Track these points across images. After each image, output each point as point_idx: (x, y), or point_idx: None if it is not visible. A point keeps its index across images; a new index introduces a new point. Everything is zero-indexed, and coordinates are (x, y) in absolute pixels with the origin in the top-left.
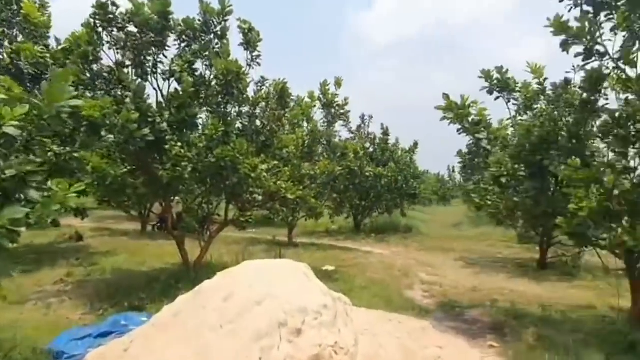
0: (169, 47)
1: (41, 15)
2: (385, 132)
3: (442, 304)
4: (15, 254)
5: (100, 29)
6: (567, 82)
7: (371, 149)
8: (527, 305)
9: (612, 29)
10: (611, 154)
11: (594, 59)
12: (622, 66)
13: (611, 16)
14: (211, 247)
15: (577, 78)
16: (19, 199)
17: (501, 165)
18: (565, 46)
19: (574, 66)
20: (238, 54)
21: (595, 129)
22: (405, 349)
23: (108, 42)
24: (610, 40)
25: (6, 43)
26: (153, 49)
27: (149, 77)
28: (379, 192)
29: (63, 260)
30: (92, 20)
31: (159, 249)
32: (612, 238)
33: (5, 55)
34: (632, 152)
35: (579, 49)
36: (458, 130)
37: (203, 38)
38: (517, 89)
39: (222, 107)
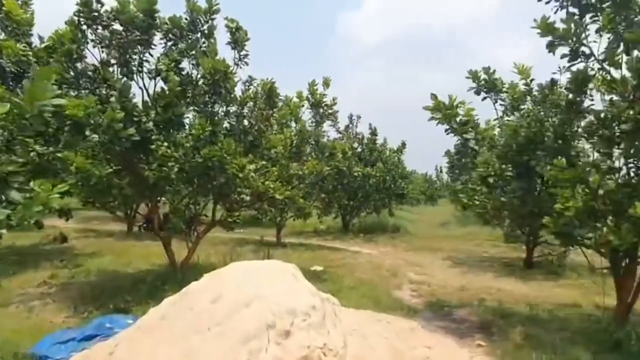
0: (155, 45)
1: (24, 13)
2: (373, 132)
3: (431, 303)
4: None
5: (84, 27)
6: (553, 83)
7: (359, 149)
8: (514, 304)
9: (597, 31)
10: (596, 154)
11: (579, 60)
12: (607, 67)
13: (596, 18)
14: (198, 247)
15: (563, 79)
16: (0, 200)
17: (489, 166)
18: (551, 47)
19: (559, 67)
20: (225, 53)
21: (580, 130)
22: (394, 349)
23: (92, 40)
24: (595, 41)
25: None
26: (139, 47)
27: (135, 76)
28: (367, 192)
29: (47, 262)
30: (76, 18)
31: (145, 249)
32: (597, 237)
33: None
34: (616, 152)
35: (565, 50)
36: (446, 131)
37: (190, 37)
38: (504, 89)
39: (209, 106)
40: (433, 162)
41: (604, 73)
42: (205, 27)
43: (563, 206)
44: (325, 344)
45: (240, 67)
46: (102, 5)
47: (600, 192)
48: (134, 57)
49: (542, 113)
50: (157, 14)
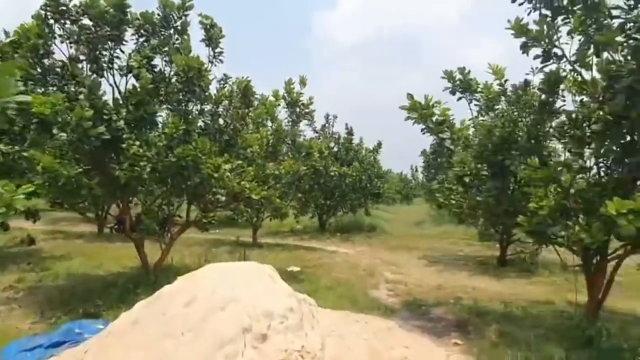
0: (126, 41)
1: None
2: (350, 132)
3: (407, 302)
4: None
5: (51, 22)
6: (526, 83)
7: (336, 149)
8: (489, 302)
9: (568, 33)
10: (567, 154)
11: (552, 61)
12: (578, 69)
13: (568, 20)
14: (172, 249)
15: (536, 80)
16: None
17: (464, 165)
18: (525, 48)
19: (532, 68)
20: (200, 50)
21: (552, 130)
22: (372, 349)
23: (60, 36)
24: (567, 43)
25: None
26: (109, 43)
27: (105, 72)
28: (343, 191)
29: (13, 265)
30: (43, 12)
31: (116, 252)
32: (569, 235)
33: None
34: (587, 152)
35: (538, 51)
36: (422, 130)
37: (162, 33)
38: (479, 89)
39: (183, 104)
40: (408, 161)
41: (575, 74)
42: (179, 23)
43: (537, 205)
44: (303, 347)
45: (215, 65)
46: None
47: (572, 191)
48: (104, 53)
49: (515, 113)
50: (128, 9)
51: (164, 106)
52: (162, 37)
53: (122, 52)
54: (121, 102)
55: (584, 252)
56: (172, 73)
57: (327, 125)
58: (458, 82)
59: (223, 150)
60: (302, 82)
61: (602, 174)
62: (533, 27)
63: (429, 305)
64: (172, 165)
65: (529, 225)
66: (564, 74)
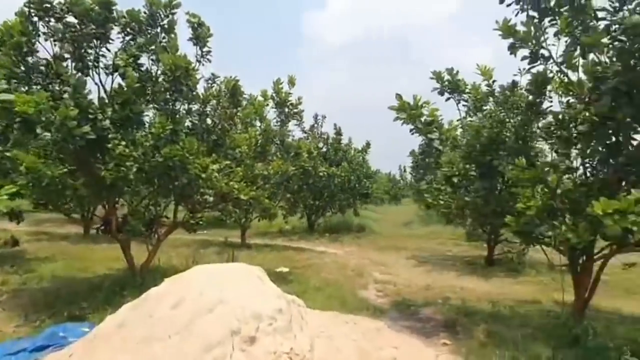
0: (112, 40)
1: None
2: (338, 132)
3: (396, 303)
4: None
5: (35, 19)
6: (514, 84)
7: (324, 149)
8: (477, 302)
9: (555, 34)
10: (554, 155)
11: (539, 62)
12: (565, 70)
13: (554, 22)
14: (159, 250)
15: (524, 81)
16: None
17: (453, 165)
18: (512, 49)
19: (520, 69)
20: (187, 49)
21: (539, 131)
22: (361, 350)
23: (45, 33)
24: (554, 45)
25: None
26: (94, 41)
27: (90, 71)
28: (332, 191)
29: None
30: (26, 9)
31: (102, 253)
32: (556, 235)
33: None
34: (574, 152)
35: (525, 52)
36: (411, 131)
37: (149, 31)
38: (467, 90)
39: (170, 104)
40: (396, 161)
41: (561, 75)
42: (166, 21)
43: (525, 205)
44: (291, 349)
45: (203, 64)
46: None
47: (559, 191)
48: (90, 51)
49: (503, 114)
50: (114, 6)
51: (151, 105)
52: (148, 36)
53: (108, 50)
54: (107, 101)
55: (570, 251)
56: (159, 72)
57: (316, 125)
58: (446, 83)
59: (211, 150)
60: (291, 82)
61: (588, 174)
62: (521, 28)
63: (418, 305)
64: (159, 165)
65: (517, 226)
66: (550, 75)
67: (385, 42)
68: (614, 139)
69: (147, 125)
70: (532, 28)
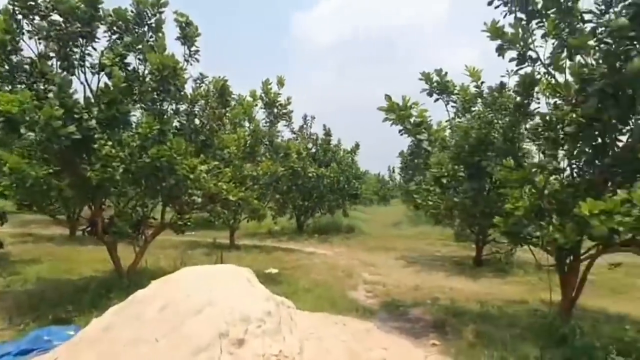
0: (98, 39)
1: None
2: (327, 133)
3: (386, 303)
4: None
5: (19, 17)
6: (502, 86)
7: (313, 150)
8: (466, 302)
9: (543, 36)
10: (542, 156)
11: (526, 64)
12: (552, 72)
13: (542, 24)
14: (147, 251)
15: (512, 82)
16: None
17: (442, 166)
18: (500, 51)
19: (507, 71)
20: (175, 48)
21: (526, 132)
22: (351, 351)
23: (29, 32)
24: (541, 46)
25: None
26: (80, 40)
27: (76, 70)
28: (321, 192)
29: None
30: (10, 7)
31: (88, 255)
32: (543, 236)
33: None
34: (561, 153)
35: (513, 54)
36: (400, 131)
37: (136, 30)
38: (456, 91)
39: (157, 104)
40: (385, 162)
41: (549, 77)
42: (153, 20)
43: (513, 206)
44: (280, 351)
45: (191, 64)
46: None
47: (546, 192)
48: (75, 50)
49: (491, 115)
50: (100, 5)
51: (138, 105)
52: (135, 35)
53: (94, 49)
54: (93, 100)
55: (557, 252)
56: (146, 71)
57: (305, 126)
58: (435, 84)
59: (199, 150)
60: (280, 83)
61: (575, 175)
62: (509, 30)
63: (407, 305)
64: (146, 166)
65: (505, 226)
66: (538, 76)
67: (373, 42)
68: (600, 140)
69: (134, 125)
70: (520, 30)
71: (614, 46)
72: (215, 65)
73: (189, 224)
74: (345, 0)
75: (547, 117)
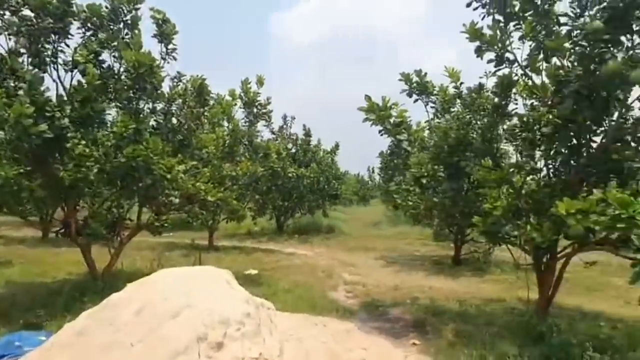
0: (71, 35)
1: None
2: (307, 133)
3: (366, 304)
4: None
5: None
6: (480, 87)
7: (293, 150)
8: (445, 302)
9: (520, 38)
10: (519, 156)
11: (504, 65)
12: (529, 73)
13: (519, 26)
14: (123, 253)
15: (490, 83)
16: None
17: (421, 166)
18: (479, 52)
19: (486, 72)
20: (151, 46)
21: (504, 132)
22: (331, 352)
23: None
24: (519, 48)
25: None
26: (52, 36)
27: (48, 67)
28: (301, 192)
29: None
30: None
31: (62, 257)
32: (521, 235)
33: None
34: (538, 154)
35: (491, 55)
36: (380, 132)
37: (111, 27)
38: (435, 92)
39: (133, 102)
40: (365, 163)
41: (526, 79)
42: (129, 17)
43: (491, 206)
44: (260, 354)
45: (168, 62)
46: None
47: (523, 192)
48: (47, 46)
49: (469, 116)
50: (74, 0)
51: (113, 104)
52: (110, 32)
53: (67, 46)
54: (66, 98)
55: (534, 250)
56: (121, 69)
57: (284, 126)
58: (415, 85)
59: (177, 150)
60: (260, 82)
61: (552, 175)
62: (487, 32)
63: (387, 305)
64: (121, 166)
65: (484, 226)
66: (515, 78)
67: (353, 43)
68: (575, 141)
69: (108, 124)
70: (498, 32)
71: (588, 49)
72: (193, 64)
73: (166, 225)
74: (325, 1)
75: (524, 118)
